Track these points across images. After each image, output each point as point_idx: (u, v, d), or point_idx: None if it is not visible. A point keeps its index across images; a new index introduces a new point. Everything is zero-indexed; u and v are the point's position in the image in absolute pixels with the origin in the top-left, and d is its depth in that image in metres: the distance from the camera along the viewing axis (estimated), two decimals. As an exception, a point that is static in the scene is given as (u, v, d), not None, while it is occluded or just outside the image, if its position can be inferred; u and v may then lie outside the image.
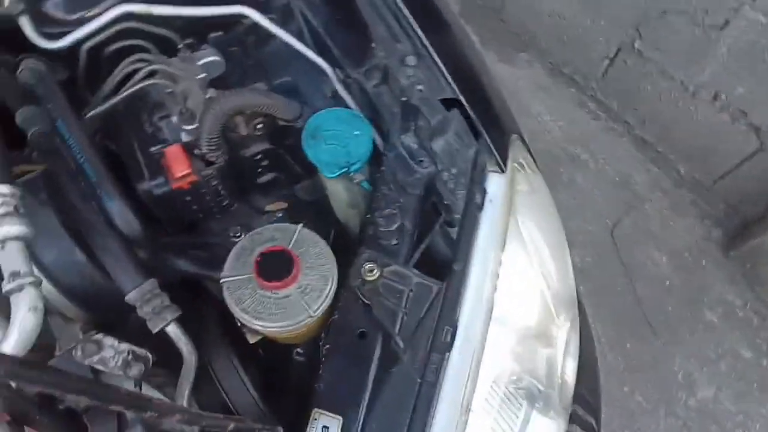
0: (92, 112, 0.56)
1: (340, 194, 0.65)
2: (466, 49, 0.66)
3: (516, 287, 0.57)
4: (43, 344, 0.49)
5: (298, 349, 0.59)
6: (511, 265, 0.57)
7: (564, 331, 0.59)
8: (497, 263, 0.55)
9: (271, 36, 0.69)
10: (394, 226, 0.56)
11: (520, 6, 1.99)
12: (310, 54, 0.69)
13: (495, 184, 0.58)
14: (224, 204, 0.65)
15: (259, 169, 0.70)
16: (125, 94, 0.58)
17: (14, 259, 0.43)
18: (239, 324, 0.52)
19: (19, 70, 0.56)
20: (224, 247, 0.53)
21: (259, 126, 0.64)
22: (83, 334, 0.53)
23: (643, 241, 1.59)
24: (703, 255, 1.58)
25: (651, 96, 1.66)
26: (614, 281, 1.52)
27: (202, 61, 0.63)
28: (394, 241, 0.57)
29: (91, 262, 0.52)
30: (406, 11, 0.61)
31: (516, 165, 0.61)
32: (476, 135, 0.61)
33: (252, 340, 0.53)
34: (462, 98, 0.61)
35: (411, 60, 0.61)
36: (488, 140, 0.60)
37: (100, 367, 0.50)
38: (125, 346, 0.50)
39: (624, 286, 1.52)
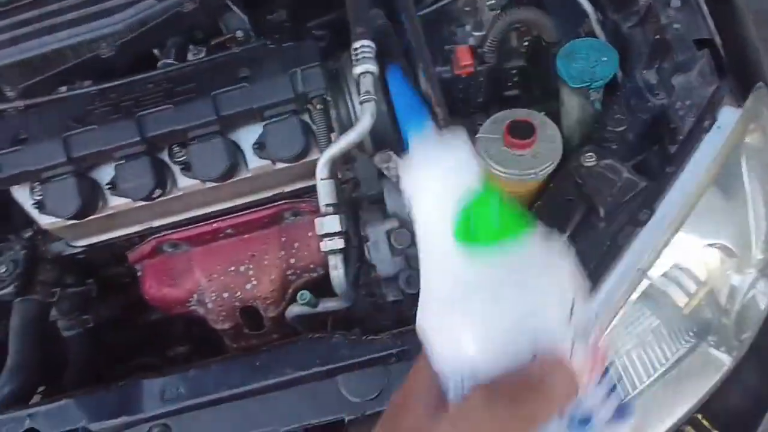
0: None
1: (573, 110, 0.79)
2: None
3: (719, 207, 0.63)
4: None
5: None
6: (721, 191, 0.64)
7: (760, 263, 0.63)
8: (707, 181, 0.63)
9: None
10: (618, 130, 0.68)
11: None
12: (581, -4, 0.83)
13: (727, 115, 0.64)
14: (479, 102, 0.86)
15: (509, 83, 0.88)
16: (439, 4, 0.82)
17: (369, 85, 0.70)
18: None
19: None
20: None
21: (525, 43, 0.82)
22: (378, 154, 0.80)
23: None
24: None
25: None
26: None
27: (494, -6, 0.84)
28: (615, 146, 0.69)
29: (389, 115, 0.78)
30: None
31: (756, 108, 0.66)
32: (721, 77, 0.68)
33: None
34: (717, 39, 0.68)
35: (676, 2, 0.70)
36: (731, 82, 0.66)
37: (385, 171, 0.76)
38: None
39: None
